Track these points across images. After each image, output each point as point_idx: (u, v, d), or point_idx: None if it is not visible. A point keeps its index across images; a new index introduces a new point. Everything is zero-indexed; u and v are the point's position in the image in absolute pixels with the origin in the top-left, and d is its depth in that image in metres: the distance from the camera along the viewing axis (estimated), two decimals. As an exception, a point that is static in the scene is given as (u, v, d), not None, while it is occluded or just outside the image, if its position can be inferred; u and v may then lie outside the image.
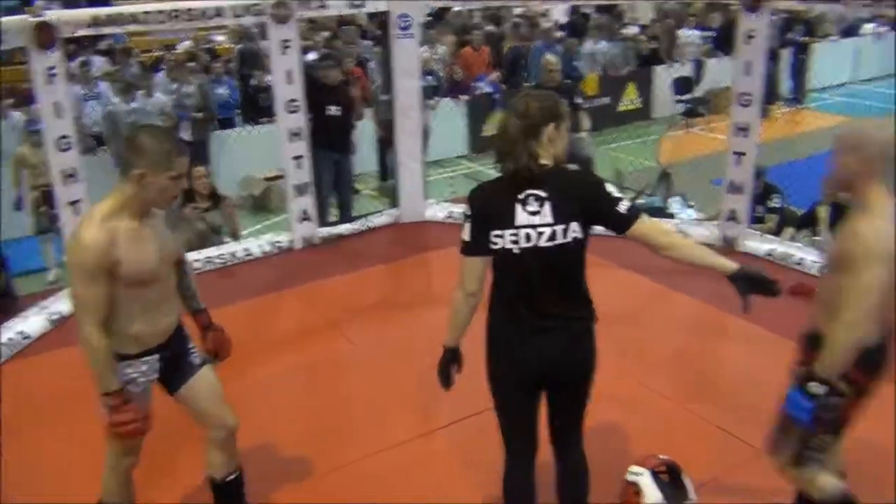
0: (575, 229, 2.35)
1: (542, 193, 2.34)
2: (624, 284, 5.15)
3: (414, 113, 6.16)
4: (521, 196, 2.34)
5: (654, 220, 2.48)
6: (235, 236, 6.19)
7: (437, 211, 6.40)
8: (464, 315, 2.48)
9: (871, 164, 2.33)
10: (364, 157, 9.25)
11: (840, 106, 12.40)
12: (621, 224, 2.38)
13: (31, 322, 4.77)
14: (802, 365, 2.45)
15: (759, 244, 5.47)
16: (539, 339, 2.41)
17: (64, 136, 4.78)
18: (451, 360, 2.58)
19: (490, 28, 12.71)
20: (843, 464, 2.67)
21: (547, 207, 2.33)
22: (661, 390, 3.97)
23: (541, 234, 2.33)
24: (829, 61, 12.32)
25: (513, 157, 2.35)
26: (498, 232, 2.35)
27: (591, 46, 11.67)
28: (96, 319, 2.38)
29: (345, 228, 6.30)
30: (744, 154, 5.36)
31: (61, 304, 4.89)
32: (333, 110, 6.41)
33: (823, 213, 5.45)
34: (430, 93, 9.39)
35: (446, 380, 2.59)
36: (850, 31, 14.07)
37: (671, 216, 6.34)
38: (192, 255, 5.54)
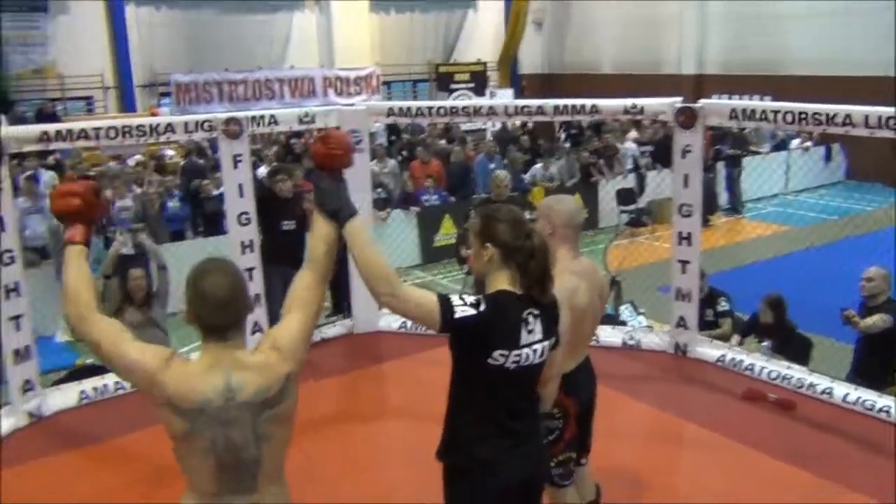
0: (552, 343, 2.44)
1: (536, 311, 2.37)
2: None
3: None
4: (523, 315, 2.34)
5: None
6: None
7: (391, 321, 6.35)
8: (374, 261, 2.37)
9: (556, 229, 2.96)
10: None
11: (775, 215, 12.95)
12: (557, 341, 2.48)
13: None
14: None
15: (709, 350, 5.53)
16: (524, 449, 2.40)
17: (7, 251, 4.67)
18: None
19: (442, 143, 13.20)
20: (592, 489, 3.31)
21: (539, 325, 2.37)
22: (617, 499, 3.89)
23: (534, 351, 2.37)
24: (763, 174, 12.97)
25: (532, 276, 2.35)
26: (503, 352, 2.29)
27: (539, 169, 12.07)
28: None
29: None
30: (688, 262, 5.48)
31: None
32: (287, 225, 6.39)
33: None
34: (381, 204, 9.55)
35: None
36: (780, 145, 14.88)
37: (623, 323, 6.40)
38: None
